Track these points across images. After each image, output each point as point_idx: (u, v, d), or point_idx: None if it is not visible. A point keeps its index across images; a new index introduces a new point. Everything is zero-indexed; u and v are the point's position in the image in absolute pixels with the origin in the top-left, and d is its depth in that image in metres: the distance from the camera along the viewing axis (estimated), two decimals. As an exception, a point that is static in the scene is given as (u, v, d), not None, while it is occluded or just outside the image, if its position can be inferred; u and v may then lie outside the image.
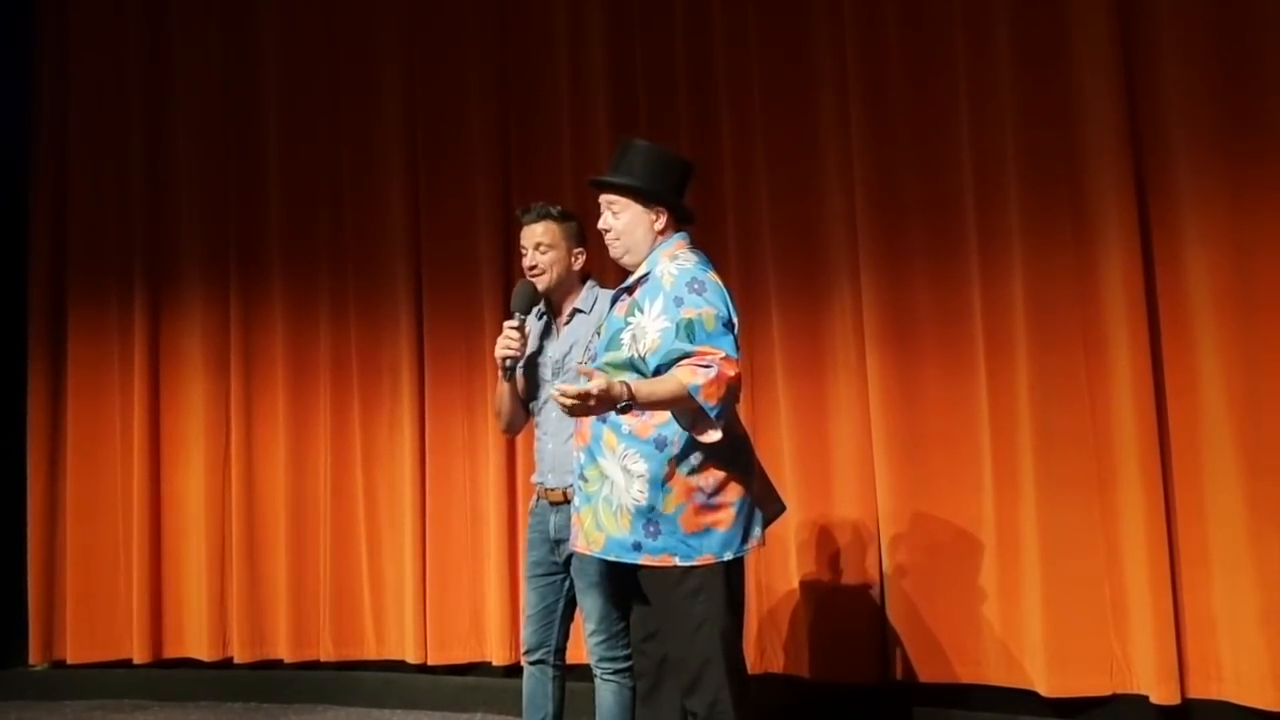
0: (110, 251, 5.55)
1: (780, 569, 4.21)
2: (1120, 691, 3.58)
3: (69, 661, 5.41)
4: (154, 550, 5.34)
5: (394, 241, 5.07)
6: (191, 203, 5.43)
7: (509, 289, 4.76)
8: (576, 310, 3.26)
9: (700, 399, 2.60)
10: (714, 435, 2.67)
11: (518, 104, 4.93)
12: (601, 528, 2.77)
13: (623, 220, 2.88)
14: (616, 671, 3.15)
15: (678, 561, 2.71)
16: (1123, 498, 3.54)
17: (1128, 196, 3.55)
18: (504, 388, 3.25)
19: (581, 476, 2.85)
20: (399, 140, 5.10)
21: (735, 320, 2.78)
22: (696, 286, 2.72)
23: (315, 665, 5.11)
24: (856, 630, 4.04)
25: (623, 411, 2.66)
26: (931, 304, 3.98)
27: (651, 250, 2.87)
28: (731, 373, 2.64)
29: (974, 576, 3.84)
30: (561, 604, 3.28)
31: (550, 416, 3.21)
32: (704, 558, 2.72)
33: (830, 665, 4.05)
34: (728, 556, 2.76)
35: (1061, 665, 3.61)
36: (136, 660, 5.29)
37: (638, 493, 2.74)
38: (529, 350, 3.26)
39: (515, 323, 3.14)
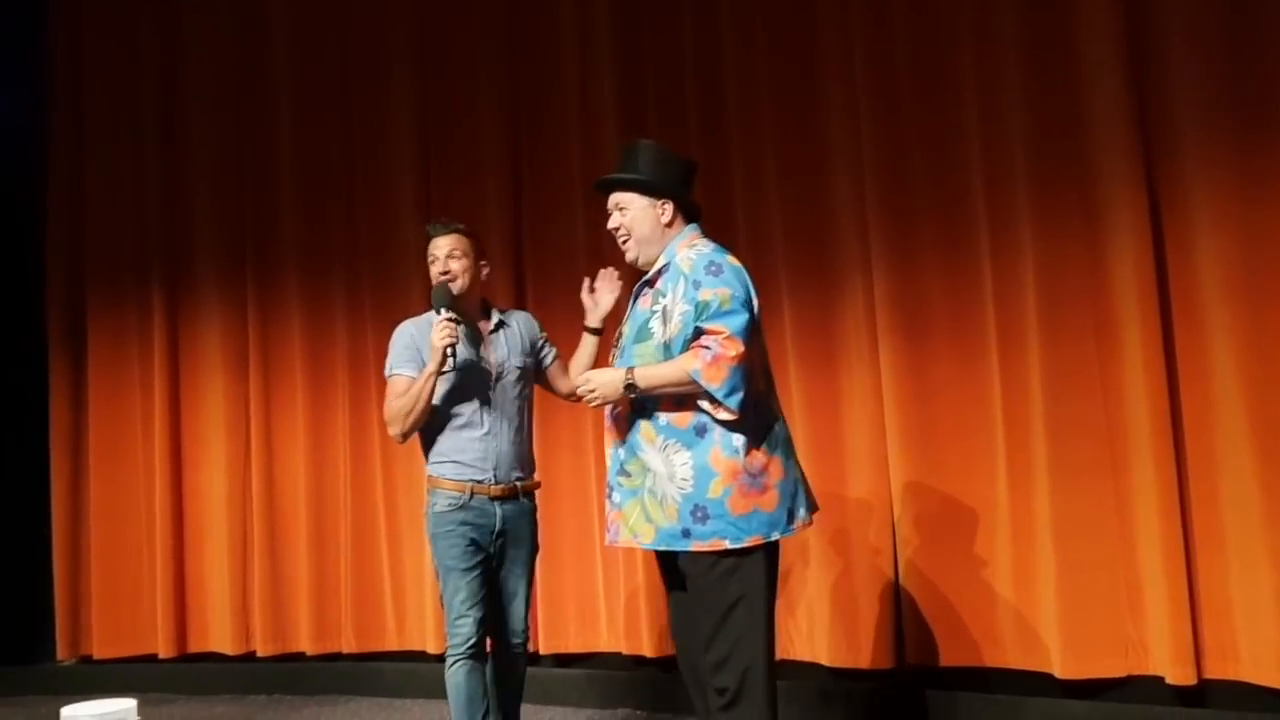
0: (127, 254, 5.61)
1: (796, 557, 4.24)
2: (1136, 673, 3.60)
3: (96, 657, 5.50)
4: (177, 547, 5.42)
5: (407, 238, 5.09)
6: (206, 203, 5.48)
7: (518, 285, 4.84)
8: (502, 322, 3.50)
9: (702, 382, 2.69)
10: (724, 415, 2.74)
11: (527, 100, 4.96)
12: (651, 519, 2.81)
13: (629, 215, 2.96)
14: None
15: (728, 544, 2.74)
16: (1136, 483, 3.55)
17: (1138, 185, 3.55)
18: (431, 384, 3.25)
19: (623, 472, 2.87)
20: (409, 138, 5.15)
21: (755, 300, 2.84)
22: (714, 269, 2.79)
23: (337, 657, 5.19)
24: (873, 616, 4.07)
25: (629, 393, 2.75)
26: (943, 294, 4.00)
27: (664, 244, 2.94)
28: (732, 352, 2.70)
29: (989, 562, 3.87)
30: (489, 592, 3.38)
31: (495, 416, 3.36)
32: (753, 539, 2.76)
33: (847, 651, 4.09)
34: (775, 536, 2.81)
35: (1077, 648, 3.64)
36: (162, 655, 5.38)
37: (682, 480, 2.78)
38: (462, 355, 3.34)
39: (450, 315, 3.25)
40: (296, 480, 5.24)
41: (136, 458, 5.54)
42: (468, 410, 3.36)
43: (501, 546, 3.38)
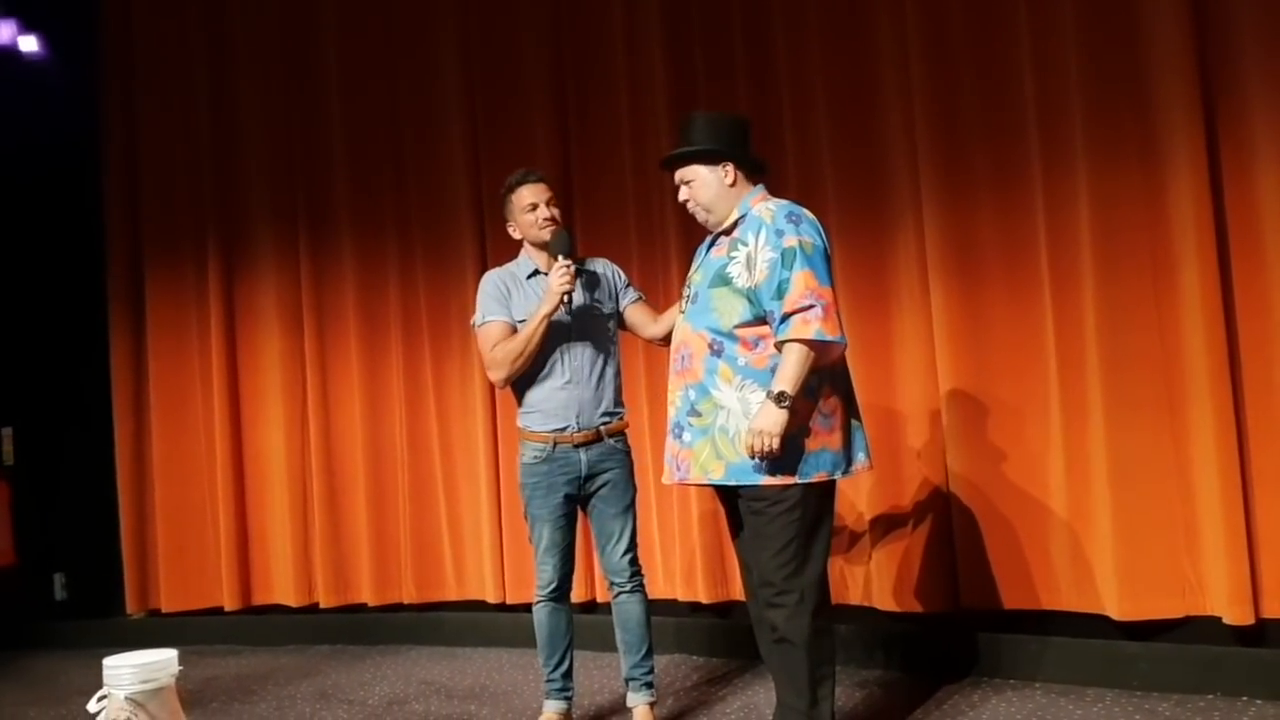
0: (183, 218, 5.70)
1: (853, 503, 4.26)
2: (1193, 614, 3.58)
3: (164, 610, 5.66)
4: (239, 504, 5.55)
5: (457, 195, 5.16)
6: (259, 165, 5.56)
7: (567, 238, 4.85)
8: (583, 270, 3.52)
9: (829, 336, 2.77)
10: (839, 350, 2.88)
11: (572, 52, 4.96)
12: (721, 456, 2.87)
13: (695, 186, 3.03)
14: (643, 584, 3.55)
15: (796, 480, 2.82)
16: (1193, 420, 3.51)
17: (1195, 116, 3.48)
18: (544, 327, 3.34)
19: (693, 411, 2.93)
20: (456, 95, 5.18)
21: (829, 251, 2.93)
22: (794, 219, 2.88)
23: (398, 608, 5.30)
24: (928, 561, 4.07)
25: (783, 403, 2.74)
26: (995, 232, 3.95)
27: (734, 202, 3.01)
28: (829, 300, 2.80)
29: (1044, 503, 3.85)
30: (573, 539, 3.54)
31: (576, 365, 3.44)
32: (819, 475, 2.85)
33: (902, 596, 4.10)
34: (838, 475, 2.91)
35: (1133, 589, 3.62)
36: (227, 608, 5.52)
37: None
38: (575, 301, 3.44)
39: (568, 262, 3.35)
40: (354, 435, 5.34)
41: (197, 417, 5.67)
42: (548, 360, 3.44)
43: (591, 491, 3.47)
